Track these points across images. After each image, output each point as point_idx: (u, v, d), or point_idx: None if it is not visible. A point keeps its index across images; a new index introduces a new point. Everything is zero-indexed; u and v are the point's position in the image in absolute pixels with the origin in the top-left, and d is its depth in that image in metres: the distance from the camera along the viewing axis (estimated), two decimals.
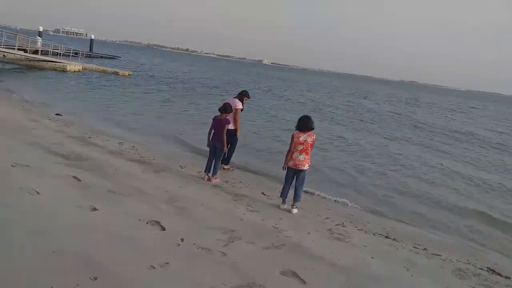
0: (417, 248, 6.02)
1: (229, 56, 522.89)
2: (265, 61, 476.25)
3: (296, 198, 6.51)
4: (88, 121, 12.13)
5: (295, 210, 6.48)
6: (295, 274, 4.12)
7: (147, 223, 4.70)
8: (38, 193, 4.95)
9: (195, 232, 4.70)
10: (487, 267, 5.77)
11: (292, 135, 6.42)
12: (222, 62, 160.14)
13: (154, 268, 3.60)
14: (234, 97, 8.55)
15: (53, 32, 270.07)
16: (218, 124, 7.36)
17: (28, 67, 26.50)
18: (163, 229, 4.61)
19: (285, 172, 6.66)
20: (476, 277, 5.31)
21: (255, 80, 55.11)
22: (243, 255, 4.33)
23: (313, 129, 6.38)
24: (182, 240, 4.38)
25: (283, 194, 6.63)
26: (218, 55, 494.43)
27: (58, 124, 10.22)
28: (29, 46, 27.60)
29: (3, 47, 24.61)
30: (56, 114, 12.05)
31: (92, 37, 53.99)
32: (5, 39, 25.19)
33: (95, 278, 3.18)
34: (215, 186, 7.22)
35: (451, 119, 32.30)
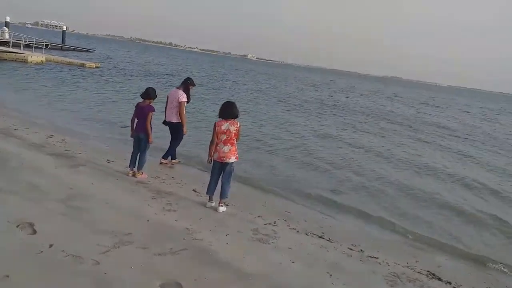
0: (352, 249, 5.45)
1: (213, 51, 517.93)
2: (250, 56, 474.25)
3: (222, 194, 5.86)
4: (25, 113, 11.26)
5: (221, 209, 5.83)
6: (178, 286, 3.46)
7: (17, 226, 3.99)
8: None
9: (74, 237, 4.01)
10: (428, 271, 5.25)
11: (214, 124, 5.77)
12: (202, 56, 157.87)
13: None
14: (178, 88, 7.91)
15: (32, 25, 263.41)
16: (140, 111, 6.64)
17: None
18: (34, 232, 3.91)
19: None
20: (411, 283, 4.76)
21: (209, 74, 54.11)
22: (123, 263, 3.65)
23: (237, 116, 5.73)
24: (50, 246, 3.68)
25: (209, 191, 5.97)
26: (202, 50, 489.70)
27: None
28: None
29: None
30: None
31: (65, 28, 52.29)
32: None
33: None
34: (139, 182, 6.50)
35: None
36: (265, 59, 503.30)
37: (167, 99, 7.85)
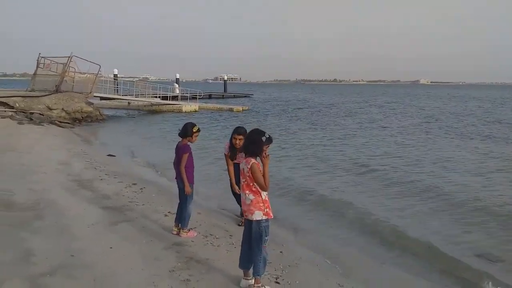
0: None
1: (380, 81, 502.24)
2: (423, 81, 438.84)
3: (254, 270, 4.00)
4: (132, 163, 11.28)
5: None
6: None
7: None
8: None
9: None
10: None
11: None
12: (365, 88, 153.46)
13: None
14: None
15: (212, 80, 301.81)
16: (177, 153, 5.36)
17: (149, 112, 28.47)
18: None
19: None
20: None
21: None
22: None
23: (254, 153, 3.85)
24: None
25: (240, 263, 4.18)
26: (368, 82, 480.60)
27: (87, 166, 9.46)
28: (146, 93, 29.51)
29: (122, 96, 27.27)
30: (108, 155, 11.55)
31: (225, 78, 57.27)
32: (129, 88, 27.87)
33: None
34: (175, 244, 5.11)
35: None
36: (441, 82, 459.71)
37: None
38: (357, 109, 36.59)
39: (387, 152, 13.80)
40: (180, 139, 5.35)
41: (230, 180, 5.95)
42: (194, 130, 5.28)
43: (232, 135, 5.88)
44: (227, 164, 5.96)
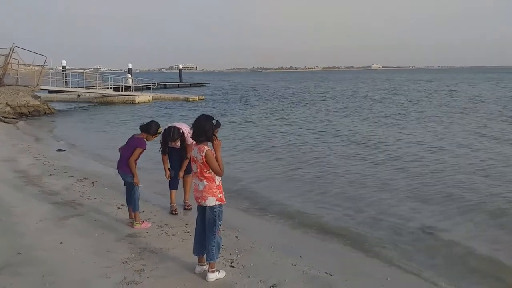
0: None
1: (334, 67, 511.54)
2: (375, 66, 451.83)
3: (208, 255, 4.04)
4: (83, 157, 10.88)
5: (211, 276, 4.01)
6: None
7: None
8: None
9: None
10: None
11: None
12: (319, 74, 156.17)
13: None
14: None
15: (167, 69, 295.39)
16: (128, 143, 5.33)
17: (101, 103, 27.53)
18: None
19: None
20: None
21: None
22: None
23: (207, 139, 3.86)
24: None
25: (194, 249, 4.20)
26: (323, 68, 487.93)
27: (34, 162, 9.08)
28: (97, 84, 28.41)
29: (71, 88, 26.16)
30: (58, 150, 11.13)
31: (180, 67, 56.48)
32: (78, 80, 26.83)
33: None
34: (129, 236, 5.06)
35: None
36: (392, 67, 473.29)
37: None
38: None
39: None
40: (139, 132, 5.30)
41: (164, 169, 5.97)
42: (158, 131, 5.33)
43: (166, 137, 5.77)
44: (162, 155, 5.93)
